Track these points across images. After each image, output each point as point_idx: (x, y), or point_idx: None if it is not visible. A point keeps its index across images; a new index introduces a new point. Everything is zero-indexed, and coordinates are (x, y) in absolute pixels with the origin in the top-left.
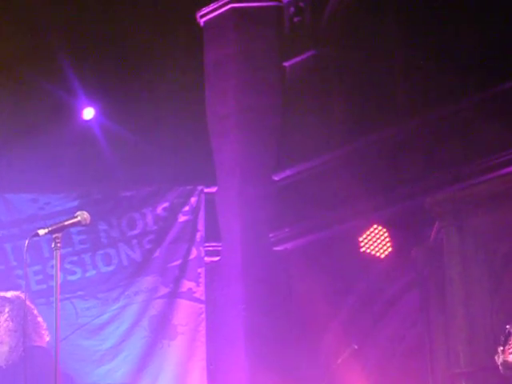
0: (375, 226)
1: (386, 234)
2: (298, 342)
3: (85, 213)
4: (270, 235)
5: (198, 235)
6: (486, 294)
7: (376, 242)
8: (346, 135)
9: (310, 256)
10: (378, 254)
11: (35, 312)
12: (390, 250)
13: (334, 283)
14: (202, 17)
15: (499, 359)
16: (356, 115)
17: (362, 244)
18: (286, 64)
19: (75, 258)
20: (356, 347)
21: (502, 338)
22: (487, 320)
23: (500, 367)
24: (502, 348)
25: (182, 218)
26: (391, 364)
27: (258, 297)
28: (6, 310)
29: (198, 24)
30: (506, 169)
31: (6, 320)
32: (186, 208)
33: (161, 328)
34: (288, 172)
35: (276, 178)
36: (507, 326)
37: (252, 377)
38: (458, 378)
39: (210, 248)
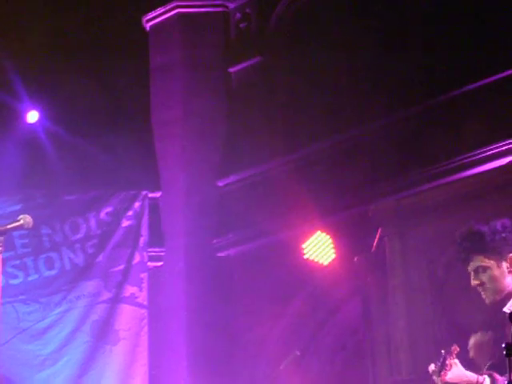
0: (319, 233)
1: (330, 241)
2: (240, 348)
3: (27, 216)
4: (214, 241)
5: (142, 240)
6: (427, 302)
7: (320, 249)
8: (292, 142)
9: (254, 262)
10: (321, 261)
11: None
12: (333, 257)
13: (277, 290)
14: (148, 21)
15: (437, 380)
16: (301, 123)
17: (306, 251)
18: (231, 70)
19: (17, 262)
20: (298, 353)
21: (438, 364)
22: (428, 328)
23: None
24: (437, 373)
25: (125, 223)
26: (333, 371)
27: (201, 303)
28: None
29: (144, 28)
30: (449, 178)
31: None
32: (130, 213)
33: (103, 333)
34: (232, 178)
35: (220, 184)
36: (442, 351)
37: (191, 381)
38: None
39: (154, 253)
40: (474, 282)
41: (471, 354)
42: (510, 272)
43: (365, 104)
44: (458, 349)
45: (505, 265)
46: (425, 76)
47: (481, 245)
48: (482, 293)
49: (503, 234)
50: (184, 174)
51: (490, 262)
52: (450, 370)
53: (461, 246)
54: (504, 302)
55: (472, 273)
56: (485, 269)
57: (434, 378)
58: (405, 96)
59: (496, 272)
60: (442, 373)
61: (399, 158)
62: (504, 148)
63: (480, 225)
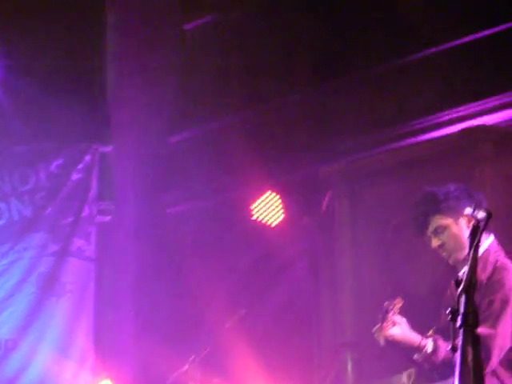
0: (268, 192)
1: (279, 202)
2: (188, 305)
3: None
4: (164, 197)
5: (91, 194)
6: (374, 266)
7: (269, 209)
8: (243, 101)
9: (203, 219)
10: (270, 222)
11: None
12: (282, 217)
13: (225, 248)
14: None
15: (379, 337)
16: (253, 82)
17: (255, 211)
18: (186, 27)
19: None
20: (244, 312)
21: (380, 316)
22: (374, 291)
23: (380, 342)
24: (380, 325)
25: (75, 176)
26: (278, 331)
27: (149, 258)
28: None
29: None
30: (400, 143)
31: None
32: (80, 166)
33: (49, 285)
34: (185, 134)
35: (172, 140)
36: (385, 303)
37: (137, 340)
38: (342, 348)
39: (103, 207)
40: (434, 244)
41: None
42: (468, 228)
43: (319, 64)
44: (402, 302)
45: (462, 221)
46: (384, 39)
47: (436, 205)
48: (444, 254)
49: (456, 193)
50: (135, 130)
51: (448, 220)
52: (393, 325)
53: (418, 210)
54: (464, 264)
55: (432, 235)
56: (443, 228)
57: (376, 334)
58: (360, 58)
59: (455, 229)
60: (384, 325)
61: (350, 121)
62: (455, 115)
63: (432, 187)
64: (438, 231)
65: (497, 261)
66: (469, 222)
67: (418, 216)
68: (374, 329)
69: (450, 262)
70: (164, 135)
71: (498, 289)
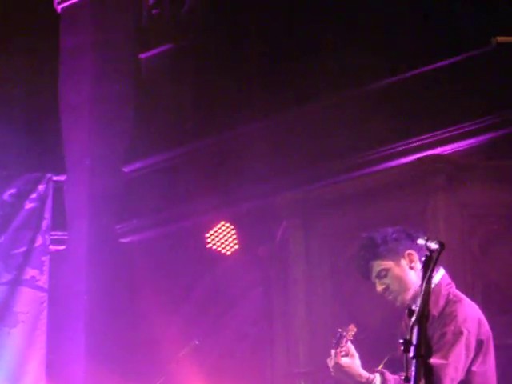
0: (223, 222)
1: (234, 232)
2: (141, 336)
3: None
4: (117, 227)
5: (44, 223)
6: (327, 296)
7: (223, 238)
8: (198, 131)
9: (157, 249)
10: (224, 251)
11: None
12: (236, 247)
13: (179, 278)
14: (59, 3)
15: (331, 362)
16: (208, 111)
17: (209, 240)
18: (142, 56)
19: None
20: (197, 343)
21: (334, 341)
22: (328, 321)
23: (331, 370)
24: (334, 351)
25: (28, 205)
26: (232, 362)
27: (102, 288)
28: None
29: (55, 10)
30: (354, 173)
31: None
32: (34, 195)
33: (2, 315)
34: (138, 164)
35: (126, 170)
36: (339, 330)
37: (89, 370)
38: (296, 378)
39: (56, 237)
40: (378, 288)
41: None
42: (411, 268)
43: (274, 95)
44: (356, 329)
45: (403, 262)
46: (335, 70)
47: (375, 250)
48: (390, 297)
49: (394, 235)
50: (89, 159)
51: (389, 263)
52: (346, 353)
53: (359, 256)
54: (415, 301)
55: (376, 280)
56: (385, 271)
57: (328, 361)
58: (313, 89)
59: (397, 271)
60: (338, 351)
61: (305, 151)
62: (409, 146)
63: (371, 233)
64: (380, 275)
65: (449, 293)
66: (410, 261)
67: (360, 262)
68: (329, 358)
69: (398, 304)
70: (118, 165)
71: (450, 321)
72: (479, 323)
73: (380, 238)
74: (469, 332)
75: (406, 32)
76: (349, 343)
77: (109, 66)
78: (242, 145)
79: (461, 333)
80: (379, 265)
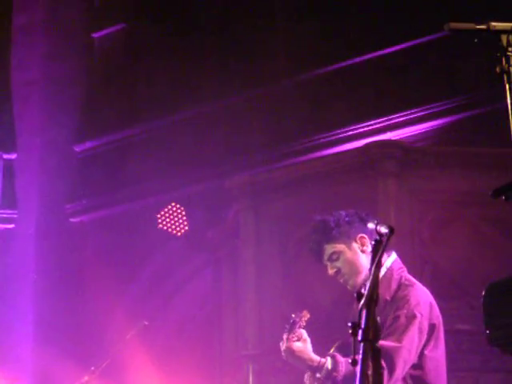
0: (173, 203)
1: (184, 213)
2: (90, 316)
3: None
4: (67, 206)
5: None
6: (277, 279)
7: (173, 219)
8: (150, 111)
9: (107, 230)
10: (174, 232)
11: None
12: (186, 228)
13: (128, 258)
14: None
15: (283, 346)
16: (160, 91)
17: (160, 221)
18: (95, 35)
19: None
20: (146, 323)
21: (287, 327)
22: (277, 304)
23: (283, 353)
24: (286, 336)
25: None
26: (180, 343)
27: (51, 268)
28: None
29: None
30: (305, 156)
31: None
32: None
33: None
34: (90, 144)
35: (77, 149)
36: (292, 315)
37: (37, 350)
38: (245, 361)
39: (6, 215)
40: (330, 271)
41: None
42: (362, 252)
43: (226, 77)
44: (309, 315)
45: (355, 245)
46: (286, 55)
47: (328, 233)
48: (342, 280)
49: (346, 219)
50: (40, 137)
51: (341, 246)
52: (298, 339)
53: (311, 239)
54: (365, 285)
55: (328, 263)
56: (337, 255)
57: (280, 345)
58: (264, 73)
59: (348, 255)
60: (290, 336)
61: (257, 135)
62: (361, 130)
63: (325, 216)
64: (332, 258)
65: (401, 277)
66: (362, 245)
67: (313, 245)
68: (282, 342)
69: (349, 287)
70: (69, 144)
71: (403, 305)
72: (431, 307)
73: (333, 221)
74: (421, 315)
75: (358, 17)
76: (303, 331)
77: (61, 45)
78: (194, 127)
79: (414, 316)
80: (331, 248)
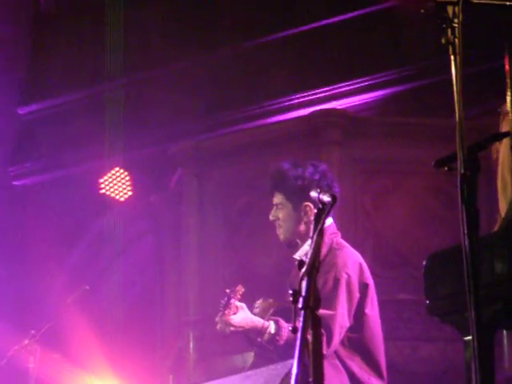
0: (117, 168)
1: (128, 178)
2: (29, 281)
3: None
4: (11, 169)
5: None
6: (219, 246)
7: (117, 184)
8: (93, 76)
9: (50, 194)
10: (117, 197)
11: None
12: (130, 193)
13: (71, 223)
14: None
15: (220, 322)
16: (104, 56)
17: (103, 186)
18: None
19: None
20: (87, 288)
21: (222, 302)
22: (219, 271)
23: (218, 325)
24: (221, 312)
25: None
26: (121, 308)
27: None
28: None
29: None
30: (248, 124)
31: None
32: None
33: None
34: (34, 107)
35: (21, 112)
36: (227, 291)
37: None
38: (185, 326)
39: None
40: (271, 216)
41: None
42: (305, 223)
43: (173, 42)
44: (243, 289)
45: (299, 211)
46: (231, 22)
47: (282, 184)
48: (277, 228)
49: (306, 182)
50: None
51: (287, 203)
52: (235, 312)
53: (270, 178)
54: (295, 246)
55: (274, 207)
56: (282, 206)
57: (219, 324)
58: (210, 39)
59: (290, 213)
60: (226, 311)
61: (201, 100)
62: (305, 99)
63: (290, 166)
64: (278, 207)
65: (332, 242)
66: (305, 214)
67: (269, 183)
68: (217, 318)
69: (281, 237)
70: (13, 106)
71: (330, 268)
72: (361, 268)
73: (294, 175)
74: (349, 276)
75: None
76: (237, 302)
77: (3, 6)
78: (138, 91)
79: (341, 278)
80: (280, 198)
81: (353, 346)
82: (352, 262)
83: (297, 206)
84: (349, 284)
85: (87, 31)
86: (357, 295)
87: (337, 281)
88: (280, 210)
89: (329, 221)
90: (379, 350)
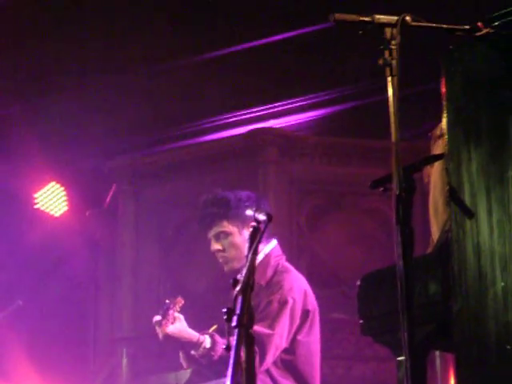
0: (53, 183)
1: (64, 193)
2: None
3: None
4: None
5: None
6: (154, 263)
7: (52, 199)
8: (30, 88)
9: None
10: (52, 212)
11: None
12: (65, 209)
13: (3, 237)
14: None
15: (159, 332)
16: (43, 69)
17: (38, 200)
18: None
19: None
20: (21, 303)
21: (161, 312)
22: (153, 288)
23: (160, 338)
24: (159, 320)
25: None
26: (55, 325)
27: None
28: None
29: None
30: (185, 141)
31: None
32: None
33: None
34: None
35: None
36: (166, 301)
37: None
38: (119, 343)
39: None
40: (214, 247)
41: None
42: None
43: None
44: (183, 301)
45: (246, 232)
46: (171, 37)
47: (226, 211)
48: (221, 260)
49: (247, 203)
50: None
51: (233, 229)
52: (172, 322)
53: (205, 211)
54: (241, 271)
55: (213, 238)
56: (226, 235)
57: (157, 328)
58: (146, 54)
59: (237, 239)
60: (164, 322)
61: (139, 116)
62: (243, 117)
63: (225, 192)
64: (220, 237)
65: (278, 264)
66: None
67: (206, 217)
68: (154, 321)
69: (225, 269)
70: None
71: (276, 290)
72: (305, 294)
73: (234, 200)
74: (294, 301)
75: (245, 3)
76: (176, 313)
77: None
78: (76, 105)
79: (286, 301)
80: (223, 227)
81: (285, 368)
82: (298, 287)
83: (242, 230)
84: (293, 309)
85: (24, 46)
86: (297, 321)
87: (282, 303)
88: (223, 240)
89: (273, 243)
90: (312, 374)
